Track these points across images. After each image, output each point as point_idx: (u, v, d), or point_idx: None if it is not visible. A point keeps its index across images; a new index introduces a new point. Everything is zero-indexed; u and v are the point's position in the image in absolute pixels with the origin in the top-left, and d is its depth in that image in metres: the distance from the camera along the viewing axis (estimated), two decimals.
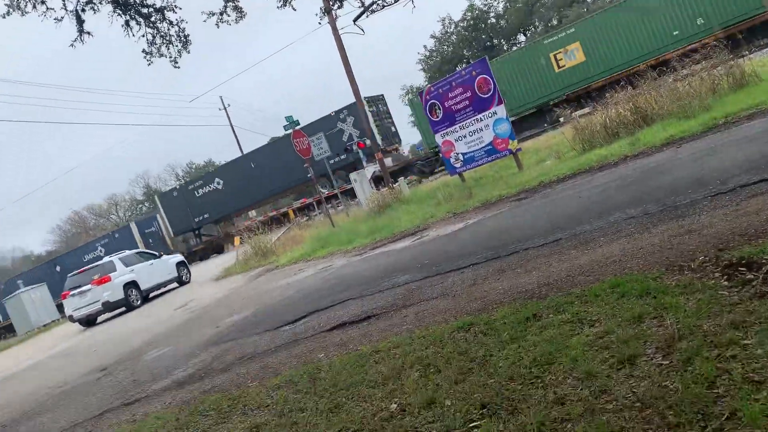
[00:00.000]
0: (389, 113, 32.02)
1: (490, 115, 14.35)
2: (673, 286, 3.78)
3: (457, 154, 15.24)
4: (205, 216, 35.67)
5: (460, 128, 14.96)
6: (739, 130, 9.02)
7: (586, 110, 20.50)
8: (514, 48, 51.36)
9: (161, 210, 37.97)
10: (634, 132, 12.31)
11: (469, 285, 5.96)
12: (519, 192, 11.63)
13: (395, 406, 3.57)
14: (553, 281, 4.95)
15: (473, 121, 14.67)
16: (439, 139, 15.56)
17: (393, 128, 31.90)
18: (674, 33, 23.15)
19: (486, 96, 14.30)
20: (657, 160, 9.38)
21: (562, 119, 18.39)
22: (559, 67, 25.86)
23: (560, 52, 25.68)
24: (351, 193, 25.91)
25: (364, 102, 22.82)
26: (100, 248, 40.50)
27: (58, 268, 40.44)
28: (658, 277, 4.04)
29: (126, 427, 5.36)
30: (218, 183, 35.60)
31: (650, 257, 4.63)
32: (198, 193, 36.39)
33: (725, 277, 3.69)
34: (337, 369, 4.62)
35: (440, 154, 16.31)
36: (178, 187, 40.55)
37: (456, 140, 15.15)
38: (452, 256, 7.96)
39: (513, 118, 21.21)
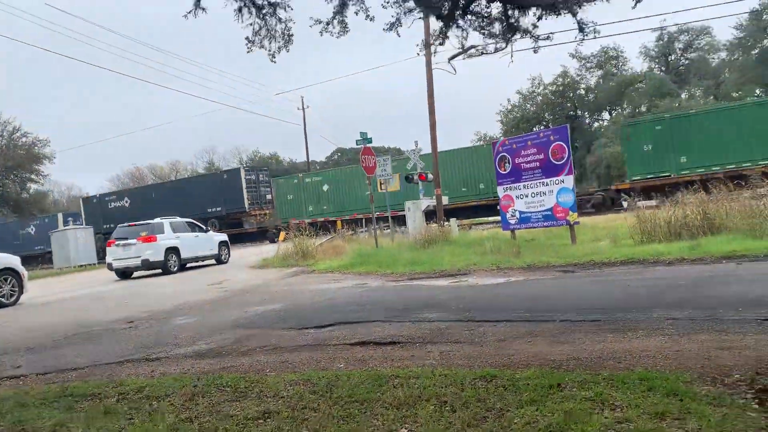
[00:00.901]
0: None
1: (557, 182, 14.38)
2: (702, 395, 3.80)
3: (515, 210, 15.30)
4: (111, 225, 37.42)
5: (524, 187, 15.03)
6: None
7: (653, 202, 20.27)
8: (596, 123, 51.15)
9: (82, 211, 44.67)
10: (697, 237, 12.13)
11: (499, 339, 6.02)
12: (567, 264, 11.59)
13: (405, 430, 3.68)
14: (584, 358, 4.99)
15: (539, 184, 14.73)
16: (500, 191, 15.66)
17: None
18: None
19: (558, 163, 14.36)
20: (714, 270, 9.25)
21: (626, 205, 18.22)
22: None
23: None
24: (402, 220, 26.13)
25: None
26: (32, 227, 44.01)
27: None
28: (690, 382, 4.04)
29: (144, 380, 5.60)
30: (126, 201, 42.47)
31: (685, 361, 4.63)
32: (110, 206, 43.13)
33: (757, 400, 3.68)
34: (355, 382, 4.75)
35: (498, 207, 16.39)
36: (98, 196, 46.06)
37: (517, 197, 15.22)
38: (488, 307, 8.02)
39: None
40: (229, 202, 37.92)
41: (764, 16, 43.35)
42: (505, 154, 15.54)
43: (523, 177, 15.06)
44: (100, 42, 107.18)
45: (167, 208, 34.24)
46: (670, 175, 25.38)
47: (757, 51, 45.03)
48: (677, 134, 25.44)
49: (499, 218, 17.89)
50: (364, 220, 32.14)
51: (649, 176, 25.93)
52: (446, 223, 20.44)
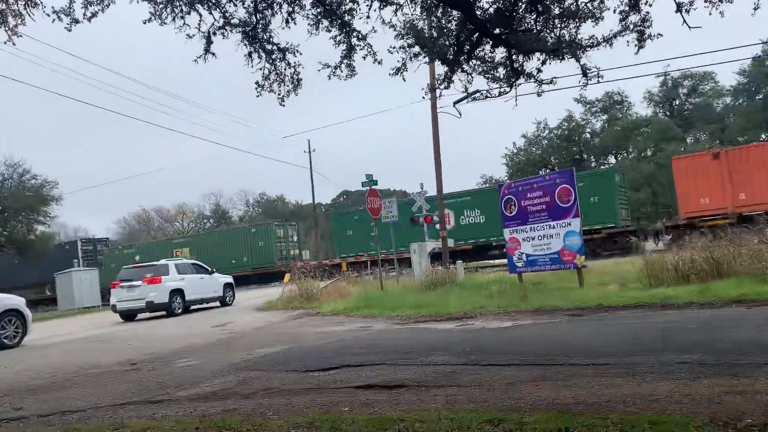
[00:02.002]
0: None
1: (564, 225, 14.36)
2: None
3: (522, 253, 15.24)
4: None
5: (531, 230, 15.01)
6: None
7: (661, 246, 20.19)
8: (602, 166, 51.35)
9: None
10: (706, 281, 12.03)
11: (506, 383, 5.92)
12: (575, 308, 11.48)
13: None
14: (592, 402, 4.89)
15: (545, 227, 14.70)
16: (507, 234, 15.64)
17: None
18: None
19: (564, 206, 14.36)
20: (724, 314, 9.14)
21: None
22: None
23: None
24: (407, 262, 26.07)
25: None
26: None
27: None
28: (701, 426, 3.95)
29: (146, 422, 5.51)
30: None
31: (695, 406, 4.53)
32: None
33: None
34: (359, 425, 4.66)
35: (504, 249, 16.34)
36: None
37: (523, 240, 15.18)
38: (494, 350, 7.92)
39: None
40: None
41: (767, 62, 43.89)
42: (511, 196, 15.57)
43: (530, 220, 15.06)
44: (107, 85, 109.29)
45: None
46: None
47: (761, 96, 45.44)
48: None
49: (505, 261, 17.81)
50: (369, 263, 32.08)
51: None
52: (452, 265, 20.35)
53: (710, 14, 8.04)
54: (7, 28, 7.87)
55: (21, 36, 8.49)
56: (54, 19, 8.43)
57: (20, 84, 44.17)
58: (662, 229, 25.76)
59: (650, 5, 8.52)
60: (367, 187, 20.10)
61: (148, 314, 20.33)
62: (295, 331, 12.45)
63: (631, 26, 8.77)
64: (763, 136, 45.42)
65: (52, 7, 8.43)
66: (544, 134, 56.14)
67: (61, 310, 35.01)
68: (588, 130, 56.03)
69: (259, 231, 41.16)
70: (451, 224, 31.29)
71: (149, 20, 9.41)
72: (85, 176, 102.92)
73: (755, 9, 7.68)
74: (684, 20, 8.21)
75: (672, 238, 23.13)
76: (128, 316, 20.17)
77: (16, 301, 14.87)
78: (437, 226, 24.72)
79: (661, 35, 8.64)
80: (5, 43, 7.90)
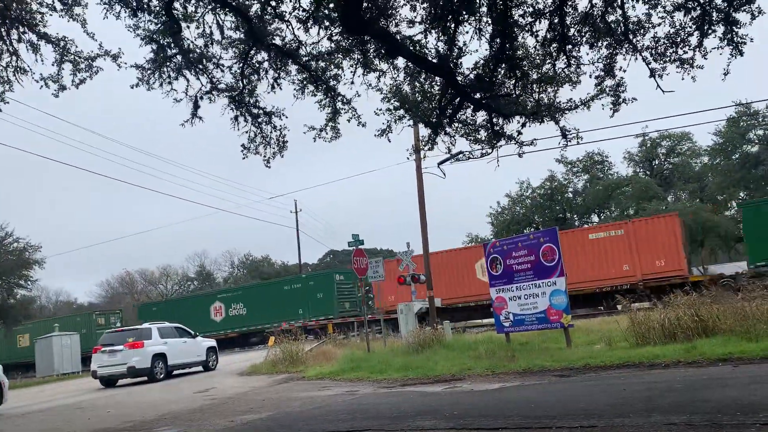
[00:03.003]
0: None
1: (549, 284, 14.38)
2: None
3: (509, 312, 15.17)
4: None
5: (517, 289, 15.00)
6: None
7: (646, 304, 20.19)
8: (585, 225, 51.84)
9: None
10: (692, 339, 12.00)
11: None
12: (563, 368, 11.38)
13: None
14: None
15: (531, 286, 14.71)
16: (493, 293, 15.60)
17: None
18: None
19: (549, 264, 14.42)
20: (710, 373, 9.11)
21: (620, 307, 18.12)
22: None
23: None
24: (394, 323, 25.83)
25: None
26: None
27: None
28: None
29: None
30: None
31: None
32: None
33: None
34: None
35: (491, 308, 16.26)
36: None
37: (510, 299, 15.14)
38: (483, 414, 7.79)
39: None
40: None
41: (741, 123, 45.17)
42: (496, 255, 15.62)
43: (516, 279, 15.06)
44: (89, 146, 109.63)
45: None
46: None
47: (737, 156, 46.56)
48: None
49: (492, 320, 17.72)
50: (355, 324, 31.75)
51: None
52: (440, 325, 20.17)
53: (683, 79, 8.36)
54: None
55: (8, 102, 8.60)
56: (42, 86, 8.56)
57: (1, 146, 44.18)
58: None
59: (624, 71, 8.85)
60: (354, 247, 20.10)
61: (129, 380, 19.84)
62: (279, 397, 12.18)
63: (608, 89, 9.08)
64: (742, 194, 46.33)
65: (41, 74, 8.59)
66: (527, 193, 56.78)
67: (39, 376, 34.05)
68: (570, 189, 56.80)
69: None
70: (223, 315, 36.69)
71: (137, 85, 9.57)
72: (67, 238, 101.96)
73: (725, 74, 8.01)
74: (658, 85, 8.52)
75: None
76: (108, 382, 19.68)
77: None
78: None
79: (635, 99, 8.94)
80: None
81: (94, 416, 11.93)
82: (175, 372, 20.80)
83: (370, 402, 10.21)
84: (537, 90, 9.67)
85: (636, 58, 8.58)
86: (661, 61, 8.46)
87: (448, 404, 8.91)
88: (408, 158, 13.79)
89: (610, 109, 9.01)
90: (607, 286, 26.64)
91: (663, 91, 8.53)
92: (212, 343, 22.66)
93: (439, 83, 9.91)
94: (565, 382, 10.01)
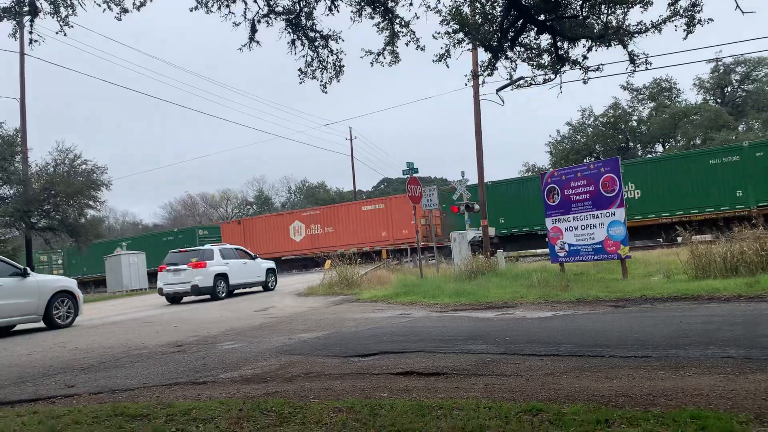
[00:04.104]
0: None
1: (608, 214, 14.13)
2: None
3: (564, 243, 15.06)
4: None
5: (574, 219, 14.81)
6: None
7: (708, 237, 19.64)
8: (649, 155, 50.09)
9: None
10: (755, 273, 11.69)
11: (545, 373, 5.90)
12: (618, 299, 11.31)
13: None
14: (633, 395, 4.84)
15: (589, 216, 14.49)
16: (549, 223, 15.46)
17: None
18: None
19: (609, 195, 14.12)
20: None
21: (680, 239, 17.69)
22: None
23: None
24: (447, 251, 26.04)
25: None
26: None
27: None
28: (745, 422, 3.88)
29: (191, 403, 5.69)
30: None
31: (741, 401, 4.44)
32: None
33: None
34: (398, 411, 4.72)
35: (546, 239, 16.16)
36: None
37: (566, 229, 14.99)
38: (534, 340, 7.88)
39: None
40: None
41: None
42: (554, 185, 15.37)
43: (573, 209, 14.85)
44: (151, 71, 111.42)
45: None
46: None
47: None
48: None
49: (547, 251, 17.63)
50: (408, 250, 32.13)
51: None
52: (493, 254, 20.22)
53: None
54: (59, 19, 8.09)
55: (72, 26, 8.73)
56: (104, 9, 8.63)
57: (66, 71, 45.27)
58: None
59: None
60: (408, 176, 20.11)
61: (193, 297, 20.86)
62: (335, 317, 12.60)
63: (681, 11, 8.52)
64: None
65: None
66: (589, 122, 55.05)
67: (110, 291, 36.17)
68: (635, 117, 54.69)
69: None
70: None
71: (195, 8, 9.57)
72: (131, 163, 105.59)
73: None
74: (737, 4, 7.94)
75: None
76: (174, 299, 20.74)
77: (68, 282, 15.44)
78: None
79: (712, 20, 8.37)
80: (57, 33, 8.12)
81: (162, 330, 12.66)
82: (236, 291, 21.74)
83: (423, 324, 10.45)
84: (605, 11, 9.16)
85: None
86: None
87: (499, 330, 9.04)
88: (466, 84, 13.46)
89: (684, 30, 8.48)
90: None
91: (743, 12, 7.95)
92: (271, 264, 23.46)
93: (501, 4, 9.50)
94: (620, 313, 9.96)
